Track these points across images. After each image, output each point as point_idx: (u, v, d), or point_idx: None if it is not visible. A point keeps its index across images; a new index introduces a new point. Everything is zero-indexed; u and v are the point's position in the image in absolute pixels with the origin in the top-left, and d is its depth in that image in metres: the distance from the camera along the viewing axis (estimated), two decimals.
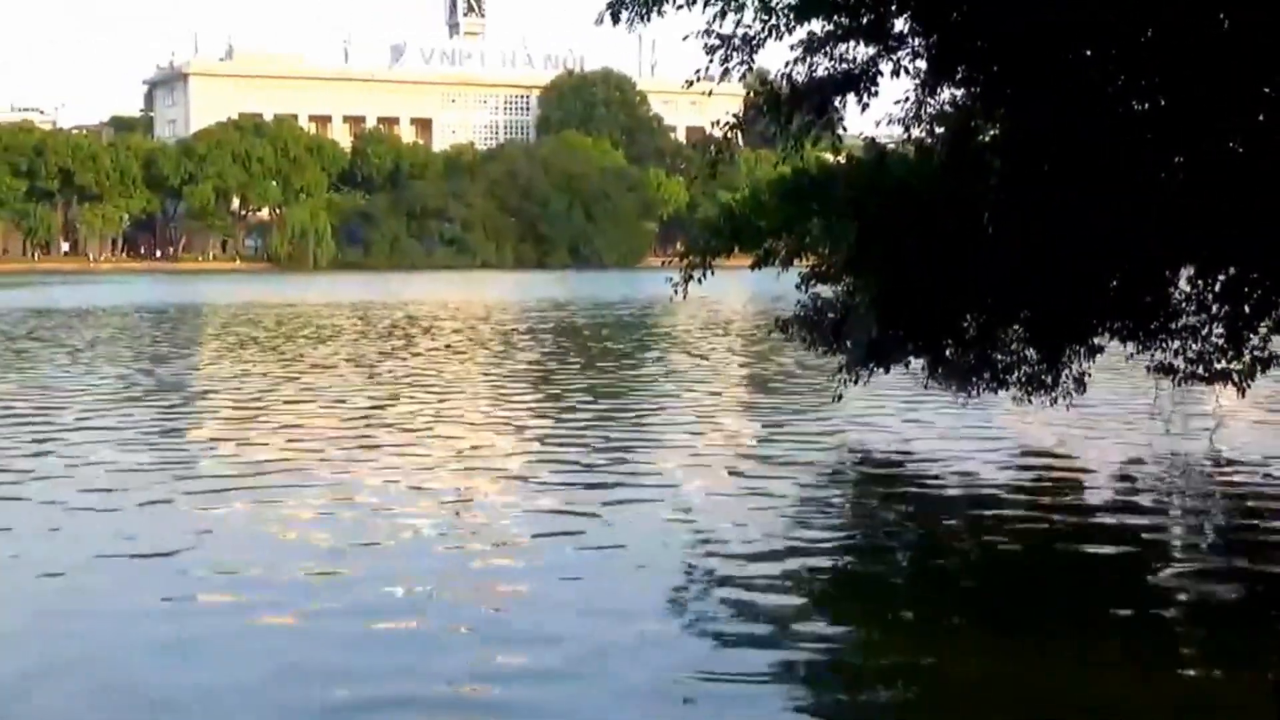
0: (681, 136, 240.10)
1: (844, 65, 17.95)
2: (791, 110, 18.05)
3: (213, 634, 11.71)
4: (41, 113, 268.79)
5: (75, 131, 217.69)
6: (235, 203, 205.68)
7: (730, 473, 19.06)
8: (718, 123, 18.84)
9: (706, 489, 17.74)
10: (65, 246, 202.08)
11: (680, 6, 17.71)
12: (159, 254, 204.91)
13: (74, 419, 25.28)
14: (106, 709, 10.13)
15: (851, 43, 17.94)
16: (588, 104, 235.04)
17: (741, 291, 76.08)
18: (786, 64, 18.10)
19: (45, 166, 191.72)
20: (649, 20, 17.76)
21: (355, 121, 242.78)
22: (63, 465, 19.86)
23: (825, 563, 14.16)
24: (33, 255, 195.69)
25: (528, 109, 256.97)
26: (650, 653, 11.18)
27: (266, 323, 58.36)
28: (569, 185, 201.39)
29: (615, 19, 17.85)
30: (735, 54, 18.11)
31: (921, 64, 18.08)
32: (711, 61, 18.25)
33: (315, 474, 19.16)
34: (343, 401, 28.36)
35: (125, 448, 21.71)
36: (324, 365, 37.16)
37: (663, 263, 21.66)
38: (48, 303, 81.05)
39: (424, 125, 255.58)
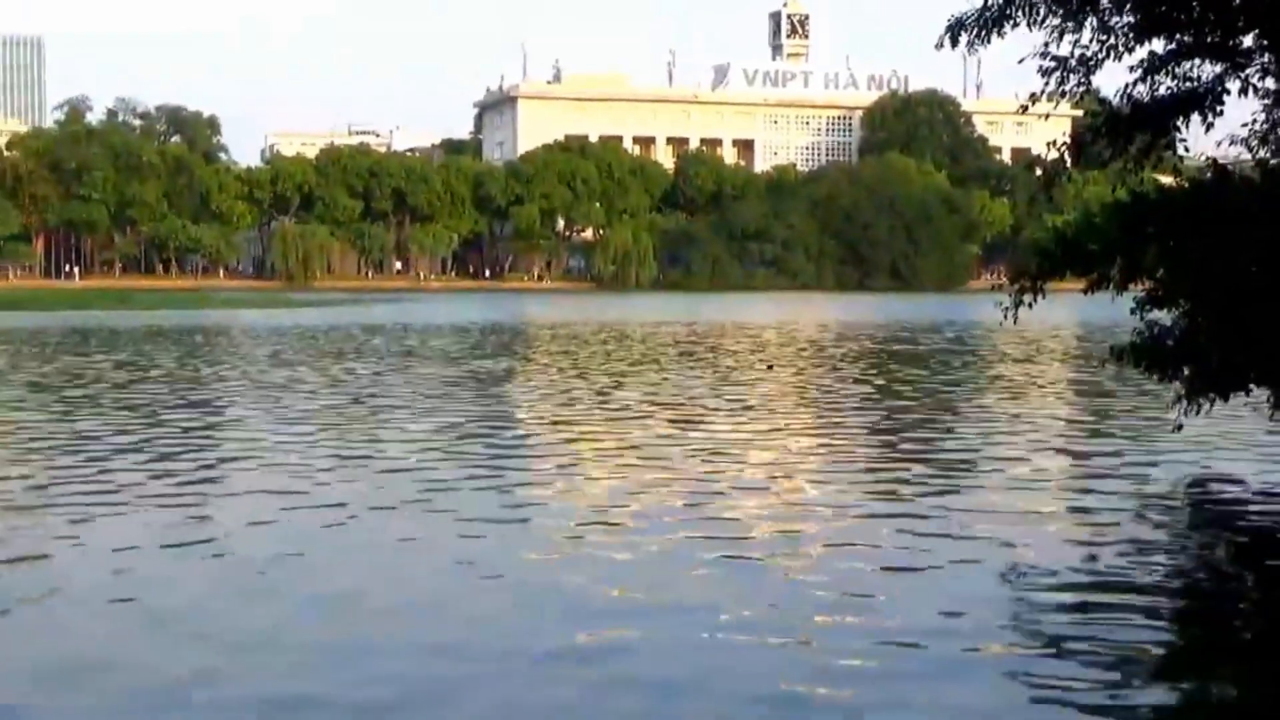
0: (1007, 158, 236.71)
1: (1187, 84, 17.42)
2: (1131, 131, 17.57)
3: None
4: (377, 135, 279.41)
5: (408, 154, 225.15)
6: (560, 223, 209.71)
7: (1061, 504, 18.53)
8: (1053, 143, 18.41)
9: (1037, 519, 17.26)
10: (397, 265, 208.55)
11: (1017, 26, 17.39)
12: (486, 273, 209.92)
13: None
14: None
15: (1196, 61, 17.40)
16: (911, 125, 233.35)
17: (1072, 316, 74.52)
18: (1126, 84, 17.64)
19: (380, 188, 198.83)
20: (988, 43, 17.51)
21: (678, 143, 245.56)
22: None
23: (1161, 603, 13.62)
24: (367, 273, 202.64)
25: (850, 130, 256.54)
26: (979, 683, 10.92)
27: (633, 341, 59.30)
28: (891, 207, 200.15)
29: (954, 42, 17.65)
30: (1071, 75, 17.72)
31: (1271, 82, 17.41)
32: (1047, 83, 17.86)
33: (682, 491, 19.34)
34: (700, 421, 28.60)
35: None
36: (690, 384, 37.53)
37: (992, 286, 21.19)
38: (423, 319, 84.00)
39: (746, 146, 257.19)
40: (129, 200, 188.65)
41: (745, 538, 16.25)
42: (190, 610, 12.75)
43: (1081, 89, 17.78)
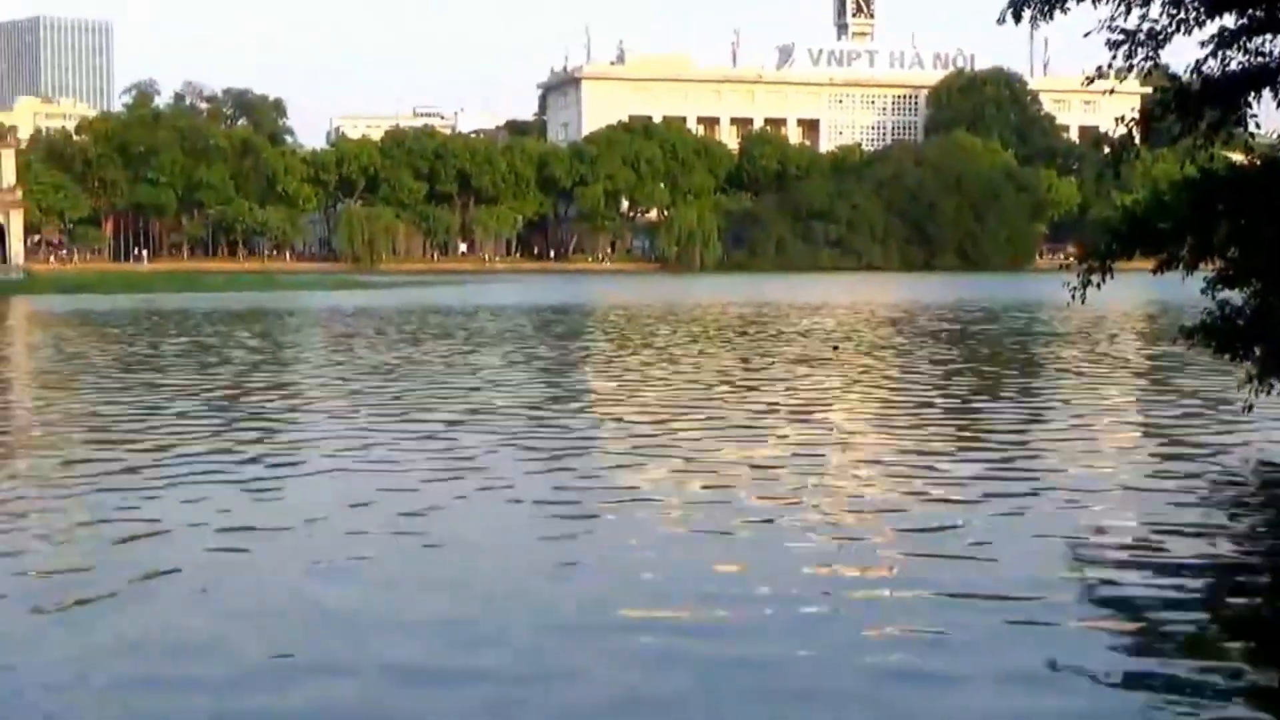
0: (1074, 136, 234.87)
1: (1259, 60, 17.13)
2: (1201, 107, 17.28)
3: None
4: (442, 117, 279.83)
5: (473, 136, 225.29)
6: (624, 204, 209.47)
7: (1128, 488, 18.30)
8: (1122, 118, 18.14)
9: (1104, 502, 17.05)
10: (462, 247, 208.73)
11: (1082, 1, 17.14)
12: (551, 254, 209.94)
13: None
14: None
15: (1267, 36, 17.11)
16: (977, 104, 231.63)
17: (1140, 296, 73.91)
18: (1196, 59, 17.37)
19: (445, 170, 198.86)
20: (1051, 18, 17.28)
21: (742, 123, 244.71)
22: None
23: (1232, 585, 13.43)
24: (432, 255, 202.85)
25: (916, 109, 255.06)
26: (1062, 653, 10.87)
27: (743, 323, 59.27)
28: (957, 186, 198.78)
29: (1017, 17, 17.43)
30: (1139, 49, 17.46)
31: None
32: (1114, 57, 17.61)
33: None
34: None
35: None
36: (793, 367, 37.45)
37: (1060, 265, 21.14)
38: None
39: (810, 126, 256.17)
40: (196, 183, 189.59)
41: (828, 513, 16.32)
42: (289, 592, 13.02)
43: (1149, 63, 17.51)
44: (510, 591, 13.04)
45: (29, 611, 12.32)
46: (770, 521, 15.98)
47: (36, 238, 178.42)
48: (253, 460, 20.55)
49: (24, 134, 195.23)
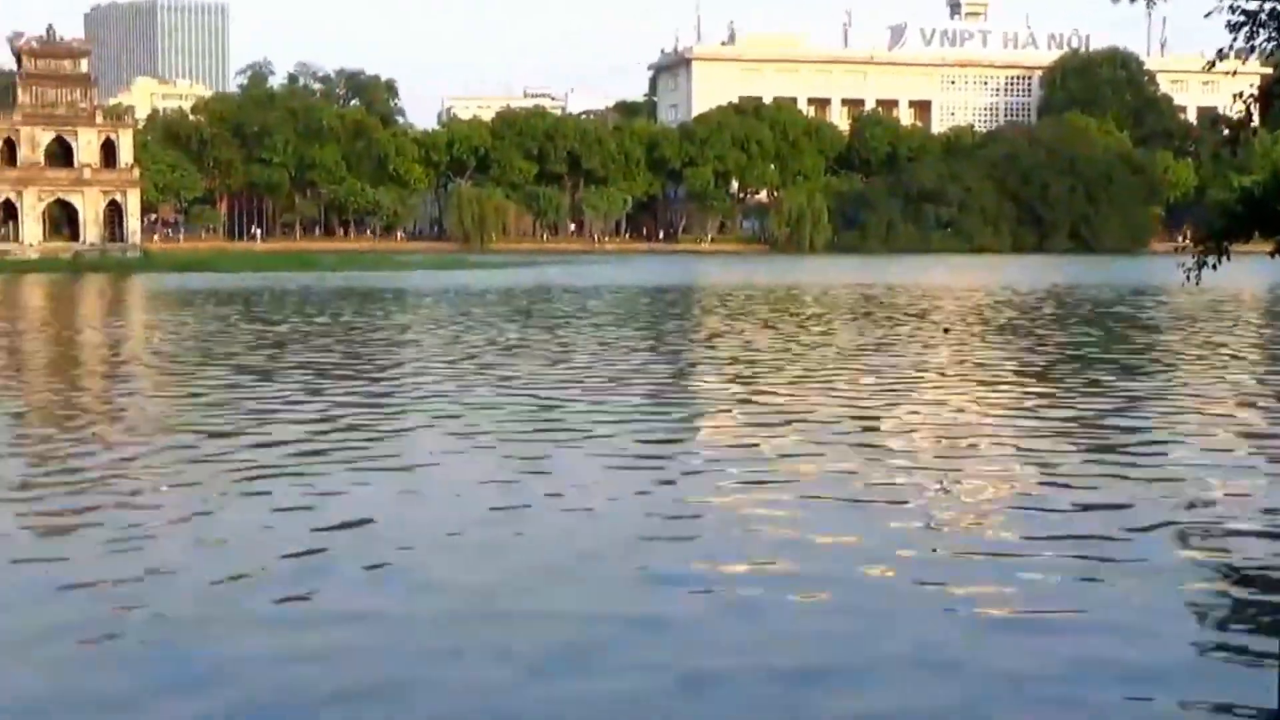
0: (1191, 117, 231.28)
1: None
2: None
3: None
4: (552, 98, 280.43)
5: (583, 117, 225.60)
6: (734, 185, 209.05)
7: (1244, 465, 18.14)
8: (1240, 95, 17.85)
9: (1223, 494, 16.91)
10: (571, 227, 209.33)
11: None
12: (660, 235, 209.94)
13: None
14: None
15: None
16: (1092, 84, 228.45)
17: (1260, 279, 72.95)
18: None
19: (554, 150, 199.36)
20: None
21: (853, 104, 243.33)
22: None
23: None
24: (541, 235, 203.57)
25: (1029, 90, 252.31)
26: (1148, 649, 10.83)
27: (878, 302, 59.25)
28: (1071, 168, 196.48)
29: None
30: (1262, 30, 17.14)
31: None
32: (1235, 39, 17.32)
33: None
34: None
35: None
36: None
37: (1175, 249, 20.96)
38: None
39: (922, 107, 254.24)
40: (309, 163, 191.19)
41: (940, 483, 16.47)
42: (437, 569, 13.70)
43: (1272, 44, 17.21)
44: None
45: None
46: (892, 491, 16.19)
47: (153, 217, 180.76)
48: (369, 436, 20.93)
49: (141, 114, 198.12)
